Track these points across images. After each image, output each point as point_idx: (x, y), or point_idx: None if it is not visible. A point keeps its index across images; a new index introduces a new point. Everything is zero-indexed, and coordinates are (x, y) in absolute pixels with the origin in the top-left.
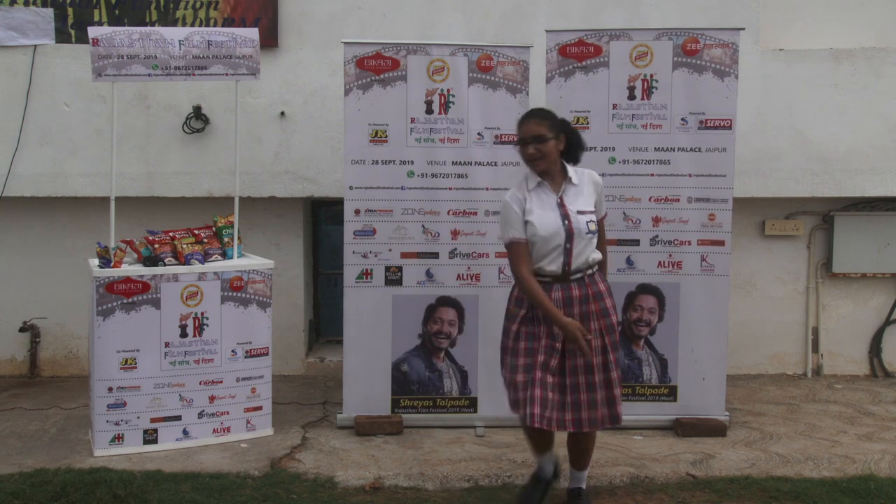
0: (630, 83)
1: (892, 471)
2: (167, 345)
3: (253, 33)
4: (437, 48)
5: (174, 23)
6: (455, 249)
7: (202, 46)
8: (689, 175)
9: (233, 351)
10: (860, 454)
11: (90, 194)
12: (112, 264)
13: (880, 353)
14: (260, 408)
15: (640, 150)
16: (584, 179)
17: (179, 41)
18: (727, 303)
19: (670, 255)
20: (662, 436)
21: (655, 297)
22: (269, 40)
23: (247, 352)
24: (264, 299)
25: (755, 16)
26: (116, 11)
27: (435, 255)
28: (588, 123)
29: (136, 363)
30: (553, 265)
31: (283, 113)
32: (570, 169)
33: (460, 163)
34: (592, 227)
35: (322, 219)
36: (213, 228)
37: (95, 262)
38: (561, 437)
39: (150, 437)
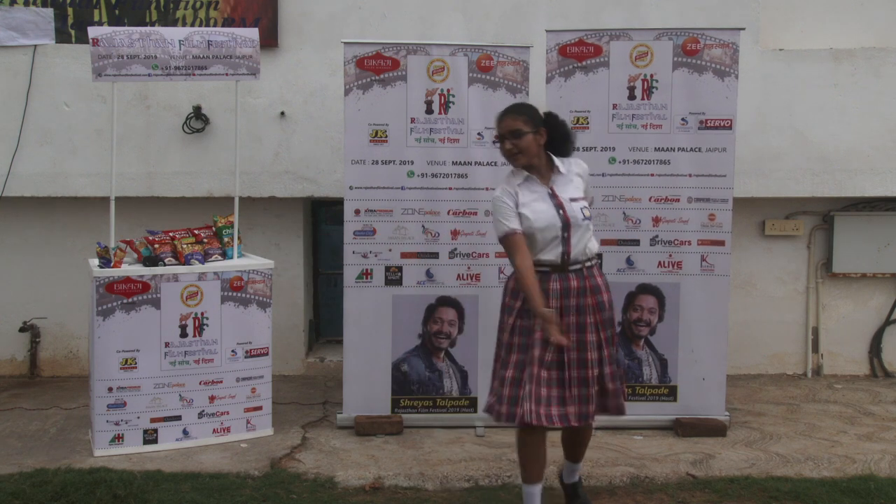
0: (630, 83)
1: (892, 471)
2: (167, 345)
3: (253, 33)
4: (437, 48)
5: (174, 23)
6: (455, 249)
7: (202, 46)
8: (690, 175)
9: (233, 351)
10: (860, 454)
11: (90, 194)
12: (112, 264)
13: (880, 353)
14: (260, 408)
15: (640, 150)
16: (571, 168)
17: (179, 41)
18: (727, 303)
19: (670, 255)
20: (662, 436)
21: (655, 297)
22: (269, 40)
23: (247, 352)
24: (264, 299)
25: (755, 16)
26: (116, 11)
27: (435, 255)
28: (588, 123)
29: (136, 363)
30: (551, 255)
31: (283, 113)
32: (556, 159)
33: (460, 163)
34: (587, 213)
35: (322, 219)
36: (213, 228)
37: (95, 262)
38: (555, 446)
39: (150, 437)
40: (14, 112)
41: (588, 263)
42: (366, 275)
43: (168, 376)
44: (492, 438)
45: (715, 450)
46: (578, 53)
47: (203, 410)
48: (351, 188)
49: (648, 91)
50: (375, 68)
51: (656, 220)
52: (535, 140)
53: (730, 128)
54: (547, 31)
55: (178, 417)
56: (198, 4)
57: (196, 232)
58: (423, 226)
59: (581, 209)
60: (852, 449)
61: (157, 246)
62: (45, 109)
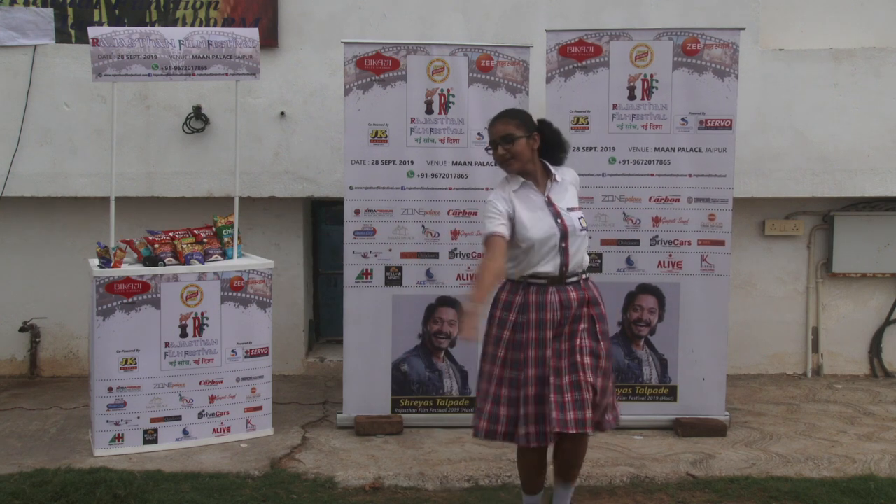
0: (630, 83)
1: (892, 471)
2: (167, 345)
3: (253, 33)
4: (437, 48)
5: (174, 23)
6: (455, 249)
7: (202, 46)
8: (690, 175)
9: (233, 351)
10: (860, 454)
11: (90, 194)
12: (112, 264)
13: (880, 353)
14: (260, 408)
15: (640, 150)
16: (566, 177)
17: (179, 41)
18: (727, 303)
19: (670, 255)
20: (662, 436)
21: (655, 297)
22: (269, 40)
23: (247, 352)
24: (264, 299)
25: (755, 16)
26: (116, 11)
27: (435, 255)
28: (588, 123)
29: (136, 363)
30: (549, 266)
31: (283, 113)
32: (553, 169)
33: (460, 163)
34: (584, 223)
35: (322, 219)
36: (213, 228)
37: (95, 262)
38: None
39: (150, 437)
40: (14, 112)
41: (584, 276)
42: (366, 275)
43: (168, 376)
44: None
45: (715, 450)
46: (578, 53)
47: (203, 410)
48: (351, 188)
49: (648, 91)
50: (375, 68)
51: (656, 220)
52: (529, 145)
53: (730, 128)
54: (547, 31)
55: (178, 417)
56: (198, 4)
57: (196, 232)
58: (423, 226)
59: (578, 219)
60: (852, 449)
61: (157, 246)
62: (45, 109)
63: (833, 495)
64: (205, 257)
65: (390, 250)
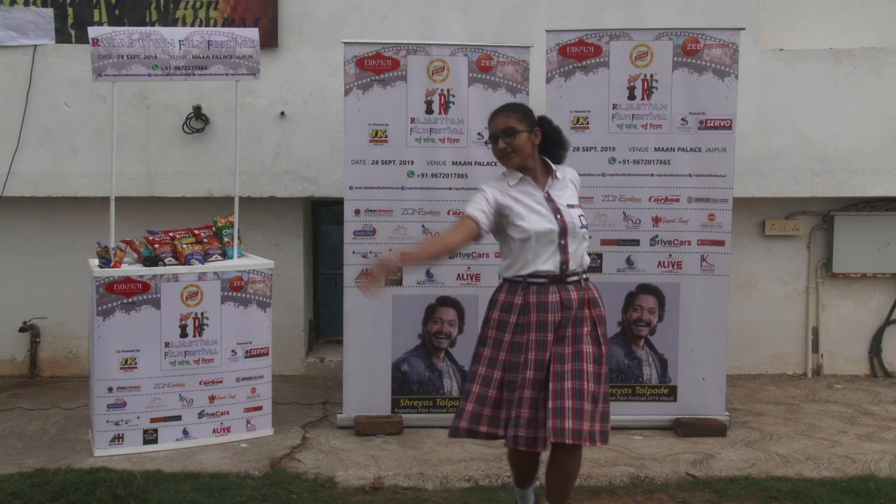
0: (630, 83)
1: (892, 471)
2: (167, 345)
3: (253, 33)
4: (437, 48)
5: (174, 23)
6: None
7: (202, 46)
8: (689, 175)
9: (233, 351)
10: (860, 454)
11: (90, 194)
12: (112, 264)
13: (880, 353)
14: (260, 408)
15: (640, 150)
16: (566, 175)
17: (179, 41)
18: (727, 303)
19: (670, 255)
20: (662, 436)
21: (655, 297)
22: (269, 40)
23: (247, 352)
24: (264, 299)
25: (755, 16)
26: (116, 11)
27: None
28: (588, 123)
29: (136, 363)
30: (549, 264)
31: (283, 113)
32: (554, 167)
33: (460, 163)
34: (584, 221)
35: (322, 219)
36: (213, 228)
37: (95, 262)
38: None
39: (150, 437)
40: (14, 112)
41: (585, 275)
42: (366, 275)
43: (168, 376)
44: None
45: (715, 450)
46: (578, 53)
47: (203, 410)
48: (351, 188)
49: (648, 91)
50: (375, 68)
51: (656, 220)
52: (530, 139)
53: (730, 128)
54: (547, 31)
55: (178, 417)
56: (198, 4)
57: (196, 232)
58: (423, 226)
59: (579, 216)
60: (852, 449)
61: (157, 246)
62: (45, 109)
63: (833, 495)
64: (205, 257)
65: (390, 250)
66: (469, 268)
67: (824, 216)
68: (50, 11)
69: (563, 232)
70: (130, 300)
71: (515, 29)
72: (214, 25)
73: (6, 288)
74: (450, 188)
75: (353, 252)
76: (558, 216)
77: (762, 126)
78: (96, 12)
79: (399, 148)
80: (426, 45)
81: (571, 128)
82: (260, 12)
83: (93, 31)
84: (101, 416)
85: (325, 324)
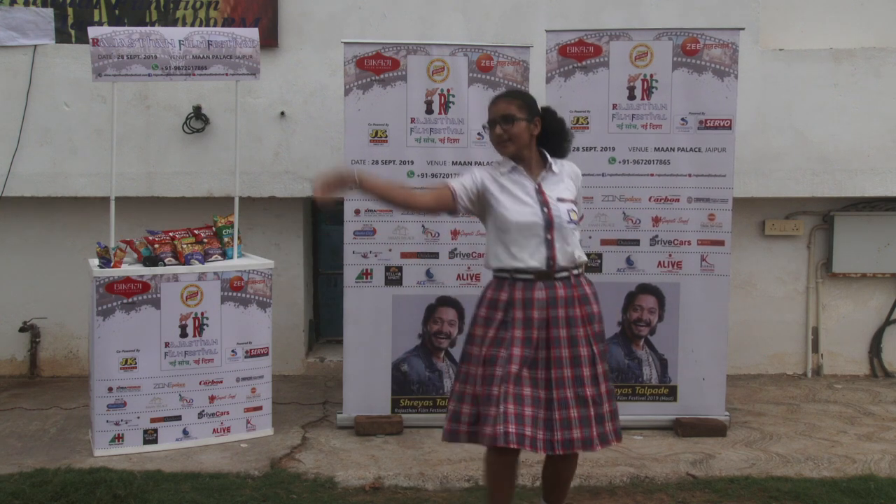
0: (630, 83)
1: (892, 471)
2: (167, 345)
3: (253, 33)
4: (437, 48)
5: (174, 23)
6: (455, 249)
7: (202, 46)
8: (689, 175)
9: (233, 351)
10: (860, 454)
11: (90, 194)
12: (112, 264)
13: (880, 353)
14: (260, 408)
15: (639, 150)
16: (564, 169)
17: (179, 41)
18: (727, 303)
19: (670, 255)
20: (662, 436)
21: (655, 297)
22: (269, 40)
23: (247, 352)
24: (264, 299)
25: (755, 16)
26: (116, 11)
27: (435, 255)
28: (588, 123)
29: (136, 363)
30: (535, 260)
31: (283, 113)
32: (550, 157)
33: (460, 163)
34: (574, 216)
35: (322, 219)
36: (213, 228)
37: (95, 262)
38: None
39: (150, 437)
40: (14, 112)
41: (576, 272)
42: (366, 275)
43: (168, 376)
44: None
45: (715, 450)
46: (578, 53)
47: (203, 410)
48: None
49: (648, 91)
50: (375, 68)
51: (656, 220)
52: (528, 129)
53: (729, 128)
54: (547, 31)
55: (178, 417)
56: (198, 4)
57: (196, 232)
58: (422, 226)
59: (568, 211)
60: (852, 449)
61: (157, 246)
62: (45, 109)
63: (833, 495)
64: (205, 257)
65: (390, 250)
66: (469, 268)
67: (824, 216)
68: (50, 11)
69: (549, 226)
70: (130, 300)
71: (515, 29)
72: (214, 25)
73: (6, 288)
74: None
75: (353, 252)
76: (545, 209)
77: (762, 126)
78: (96, 12)
79: (399, 148)
80: (426, 45)
81: (571, 128)
82: (260, 12)
83: (93, 31)
84: (101, 416)
85: (325, 324)
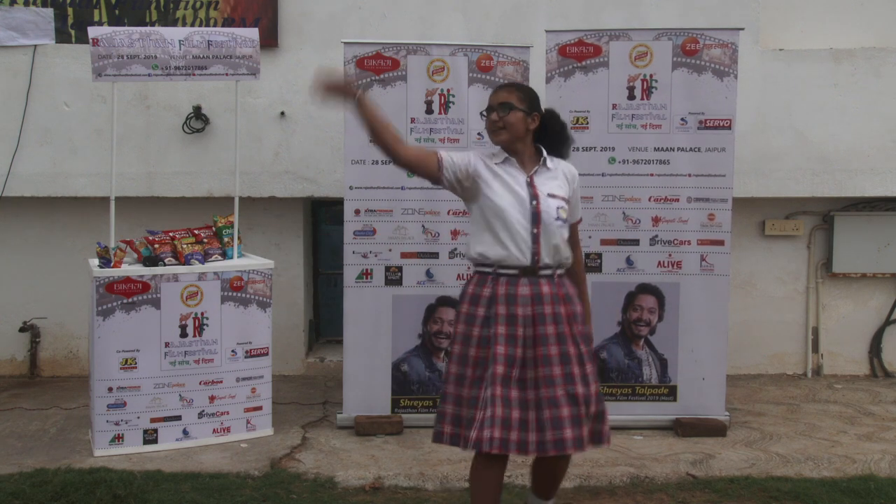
0: (630, 83)
1: (892, 471)
2: (167, 345)
3: (253, 33)
4: (437, 48)
5: (174, 23)
6: (455, 249)
7: (202, 46)
8: (689, 175)
9: (233, 351)
10: (860, 454)
11: (90, 194)
12: (112, 264)
13: (880, 353)
14: (260, 408)
15: (639, 150)
16: (560, 167)
17: (179, 41)
18: (727, 302)
19: (670, 255)
20: (662, 436)
21: (655, 296)
22: (269, 40)
23: (247, 352)
24: (264, 299)
25: (755, 16)
26: (116, 11)
27: (435, 255)
28: (588, 123)
29: (136, 363)
30: (520, 254)
31: (283, 113)
32: (546, 154)
33: None
34: (563, 214)
35: (322, 219)
36: (213, 228)
37: (95, 262)
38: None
39: (150, 437)
40: (14, 112)
41: (559, 271)
42: (366, 275)
43: (168, 376)
44: None
45: (715, 450)
46: (578, 53)
47: (203, 410)
48: (351, 188)
49: (648, 91)
50: (375, 68)
51: (656, 220)
52: (525, 121)
53: (729, 128)
54: (546, 31)
55: (178, 417)
56: (198, 4)
57: (196, 232)
58: (423, 226)
59: (557, 208)
60: (852, 449)
61: (157, 246)
62: (45, 109)
63: (833, 495)
64: (205, 257)
65: (390, 250)
66: (469, 268)
67: (824, 216)
68: (50, 11)
69: (536, 220)
70: (130, 300)
71: (515, 29)
72: (214, 25)
73: (6, 288)
74: None
75: (353, 252)
76: (534, 202)
77: (762, 126)
78: (96, 12)
79: None
80: (426, 45)
81: (571, 128)
82: (260, 12)
83: (93, 31)
84: (101, 416)
85: (325, 324)
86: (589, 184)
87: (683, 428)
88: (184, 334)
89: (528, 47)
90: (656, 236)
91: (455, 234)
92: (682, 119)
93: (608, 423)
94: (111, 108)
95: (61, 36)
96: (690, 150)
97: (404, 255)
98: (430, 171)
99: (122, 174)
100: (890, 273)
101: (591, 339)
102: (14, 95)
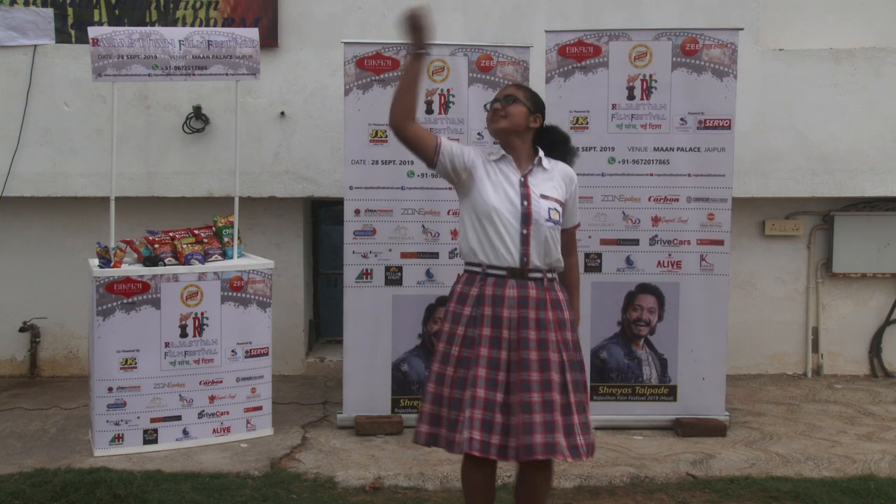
0: (629, 83)
1: (892, 471)
2: (167, 345)
3: (253, 33)
4: (437, 48)
5: (174, 23)
6: (455, 249)
7: (202, 46)
8: (689, 175)
9: (233, 351)
10: (860, 454)
11: (90, 194)
12: (112, 264)
13: (880, 353)
14: (260, 408)
15: (639, 150)
16: (556, 168)
17: (179, 41)
18: (727, 302)
19: (670, 255)
20: (662, 436)
21: (655, 296)
22: (269, 40)
23: (247, 352)
24: (264, 299)
25: (755, 16)
26: (116, 11)
27: (435, 255)
28: (587, 123)
29: (136, 363)
30: (508, 256)
31: (283, 113)
32: (544, 155)
33: None
34: (555, 216)
35: (322, 219)
36: (213, 228)
37: (95, 262)
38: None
39: (150, 437)
40: (14, 112)
41: (549, 275)
42: (366, 275)
43: (168, 376)
44: None
45: (715, 450)
46: (578, 54)
47: (203, 410)
48: (351, 188)
49: (647, 91)
50: (375, 68)
51: (655, 220)
52: (526, 116)
53: (728, 128)
54: (546, 31)
55: (178, 417)
56: (198, 4)
57: (196, 232)
58: (423, 226)
59: (549, 209)
60: (852, 449)
61: (157, 246)
62: (45, 109)
63: (833, 495)
64: (205, 257)
65: (390, 250)
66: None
67: (824, 216)
68: (50, 11)
69: (526, 220)
70: (130, 300)
71: (515, 29)
72: (214, 25)
73: (6, 288)
74: (449, 188)
75: (353, 252)
76: (525, 203)
77: (762, 126)
78: (96, 12)
79: (399, 148)
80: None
81: (571, 128)
82: (260, 12)
83: (93, 31)
84: (101, 416)
85: (325, 324)
86: (589, 184)
87: (683, 428)
88: (184, 334)
89: (528, 47)
90: (656, 236)
91: (455, 234)
92: (682, 119)
93: (592, 434)
94: (111, 108)
95: (61, 36)
96: (690, 150)
97: (404, 255)
98: (426, 152)
99: (122, 174)
100: (890, 273)
101: (580, 347)
102: (14, 95)
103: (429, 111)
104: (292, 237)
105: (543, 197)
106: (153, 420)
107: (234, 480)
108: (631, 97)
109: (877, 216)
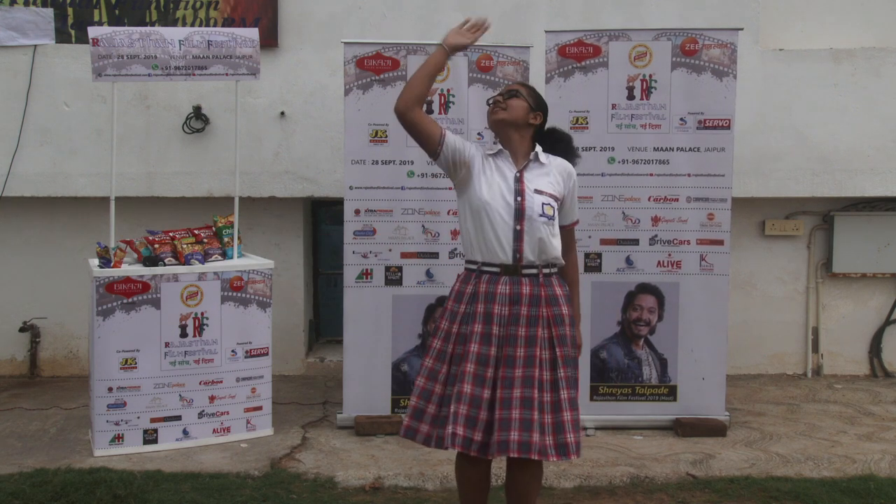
0: (629, 83)
1: (892, 471)
2: (167, 345)
3: (253, 33)
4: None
5: (174, 23)
6: (455, 249)
7: (202, 46)
8: (688, 175)
9: (233, 351)
10: (860, 454)
11: (90, 194)
12: (112, 264)
13: (880, 353)
14: (260, 408)
15: (639, 150)
16: (553, 164)
17: (179, 41)
18: (727, 302)
19: (669, 255)
20: (662, 436)
21: (655, 296)
22: (269, 40)
23: (247, 352)
24: (264, 299)
25: (755, 16)
26: (116, 11)
27: (435, 255)
28: (587, 123)
29: (136, 363)
30: (501, 252)
31: (283, 113)
32: (541, 150)
33: None
34: (549, 211)
35: (322, 219)
36: (213, 228)
37: (95, 262)
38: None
39: (150, 437)
40: (14, 112)
41: (546, 270)
42: (366, 275)
43: (168, 376)
44: None
45: (715, 450)
46: (577, 54)
47: (203, 410)
48: (351, 188)
49: (647, 91)
50: (375, 68)
51: (655, 220)
52: (526, 111)
53: (728, 128)
54: (546, 31)
55: (178, 417)
56: (198, 4)
57: (196, 232)
58: (423, 226)
59: (543, 204)
60: (852, 449)
61: (157, 246)
62: (45, 109)
63: (833, 495)
64: (205, 257)
65: (390, 250)
66: None
67: (824, 216)
68: (50, 11)
69: (519, 216)
70: (130, 300)
71: (515, 29)
72: (214, 25)
73: (6, 288)
74: (449, 188)
75: (353, 252)
76: (518, 199)
77: (762, 126)
78: (96, 12)
79: (399, 148)
80: (426, 45)
81: (571, 128)
82: (260, 12)
83: (93, 31)
84: (101, 416)
85: (325, 324)
86: (588, 184)
87: (683, 428)
88: (184, 334)
89: (528, 47)
90: (656, 236)
91: (455, 234)
92: (682, 119)
93: (579, 433)
94: (111, 108)
95: (61, 36)
96: (690, 149)
97: (404, 255)
98: (430, 141)
99: (122, 174)
100: (890, 273)
101: (579, 344)
102: (14, 95)
103: (429, 111)
104: (292, 237)
105: (538, 192)
106: (153, 420)
107: (234, 480)
108: (631, 97)
109: (877, 216)
